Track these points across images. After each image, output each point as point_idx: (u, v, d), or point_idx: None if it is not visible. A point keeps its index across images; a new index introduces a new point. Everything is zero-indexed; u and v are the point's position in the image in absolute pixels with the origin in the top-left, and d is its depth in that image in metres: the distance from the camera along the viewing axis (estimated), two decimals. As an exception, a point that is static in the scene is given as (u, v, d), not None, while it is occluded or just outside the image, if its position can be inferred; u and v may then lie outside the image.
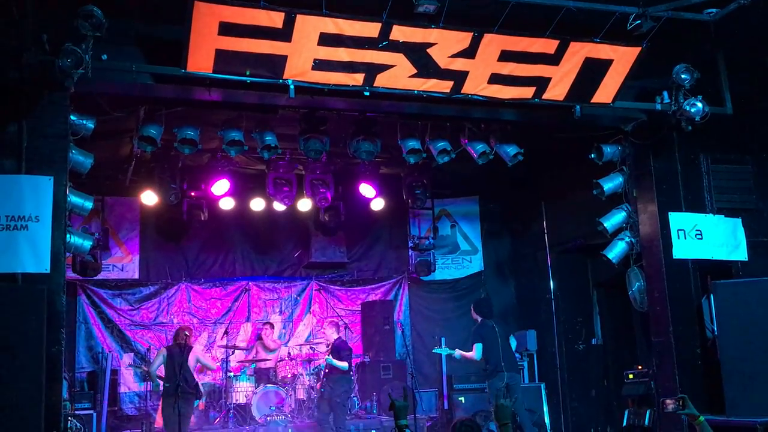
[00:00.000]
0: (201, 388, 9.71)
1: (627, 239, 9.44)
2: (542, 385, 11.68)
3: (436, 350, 10.83)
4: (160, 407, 10.56)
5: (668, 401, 4.97)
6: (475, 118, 9.38)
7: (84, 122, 7.66)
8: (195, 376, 9.82)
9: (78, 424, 9.19)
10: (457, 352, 10.19)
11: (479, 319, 10.16)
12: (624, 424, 9.81)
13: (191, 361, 9.64)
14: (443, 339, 12.01)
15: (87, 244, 8.00)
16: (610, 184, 9.51)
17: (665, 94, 8.76)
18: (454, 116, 9.24)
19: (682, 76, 8.47)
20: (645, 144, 9.27)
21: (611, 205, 9.62)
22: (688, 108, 8.53)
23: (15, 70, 6.92)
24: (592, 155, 9.56)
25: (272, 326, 12.43)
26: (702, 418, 4.92)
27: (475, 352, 9.90)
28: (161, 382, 10.09)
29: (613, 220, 9.52)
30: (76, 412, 9.76)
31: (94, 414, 10.28)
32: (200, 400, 9.72)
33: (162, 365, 9.90)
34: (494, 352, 9.83)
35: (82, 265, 10.30)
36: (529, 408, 10.22)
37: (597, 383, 11.92)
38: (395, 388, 11.57)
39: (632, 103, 8.91)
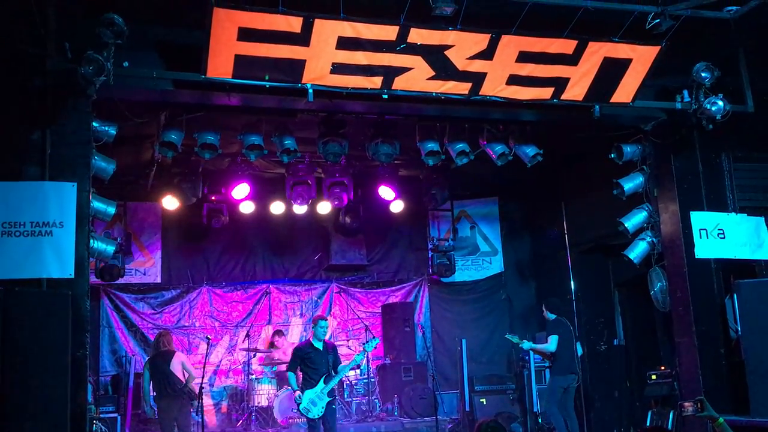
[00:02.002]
0: (192, 389, 9.64)
1: (648, 239, 9.39)
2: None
3: (508, 336, 10.50)
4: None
5: (686, 404, 4.90)
6: (493, 119, 9.38)
7: (106, 128, 7.75)
8: (182, 379, 9.65)
9: (103, 427, 9.30)
10: (527, 343, 10.09)
11: (552, 316, 10.10)
12: (647, 425, 9.74)
13: (176, 366, 9.58)
14: (464, 342, 12.05)
15: (110, 248, 8.09)
16: (631, 183, 9.47)
17: (685, 92, 8.73)
18: (473, 118, 9.25)
19: (703, 74, 8.43)
20: (665, 143, 9.23)
21: (632, 205, 9.58)
22: (708, 106, 8.49)
23: (38, 77, 7.04)
24: (612, 155, 9.53)
25: (281, 333, 12.42)
26: (721, 419, 4.86)
27: (551, 343, 9.81)
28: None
29: (634, 220, 9.47)
30: (101, 416, 9.84)
31: (119, 417, 10.37)
32: (194, 401, 9.66)
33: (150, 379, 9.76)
34: (568, 351, 9.83)
35: (106, 269, 10.41)
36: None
37: (619, 384, 11.85)
38: (416, 389, 11.59)
39: (652, 102, 8.88)
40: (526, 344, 10.05)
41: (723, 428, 4.81)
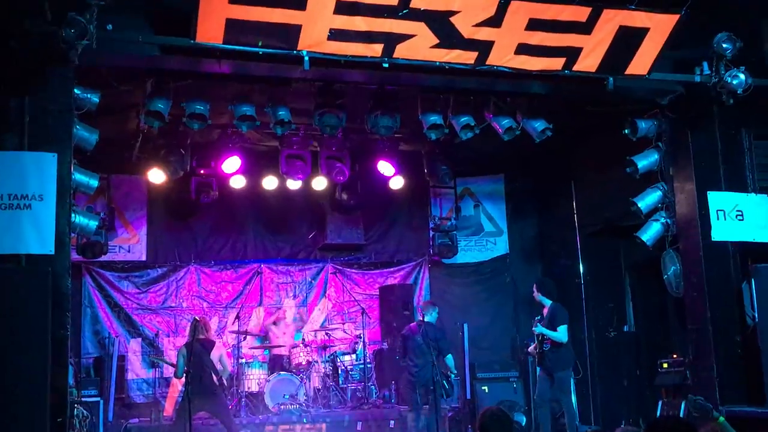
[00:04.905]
0: (224, 382, 9.63)
1: (662, 220, 9.39)
2: (572, 375, 11.68)
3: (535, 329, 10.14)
4: (173, 407, 10.70)
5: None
6: (500, 91, 9.33)
7: (89, 96, 7.71)
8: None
9: (84, 411, 9.31)
10: (539, 327, 9.97)
11: (548, 302, 10.08)
12: (657, 415, 9.80)
13: (214, 358, 9.30)
14: (465, 326, 12.09)
15: (92, 224, 8.09)
16: (645, 161, 9.45)
17: (705, 65, 8.67)
18: (479, 89, 9.21)
19: (724, 45, 8.38)
20: (683, 119, 9.21)
21: (645, 183, 9.57)
22: (729, 80, 8.44)
23: (16, 40, 6.95)
24: (626, 131, 9.51)
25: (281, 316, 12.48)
26: (722, 418, 4.86)
27: (562, 333, 9.77)
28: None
29: (648, 199, 9.46)
30: (83, 399, 9.89)
31: (101, 401, 10.42)
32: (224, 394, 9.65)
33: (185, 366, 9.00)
34: (570, 339, 9.90)
35: (88, 246, 10.41)
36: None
37: (629, 373, 11.89)
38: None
39: (669, 74, 8.83)
40: (539, 328, 10.01)
41: (724, 427, 4.81)
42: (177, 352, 9.68)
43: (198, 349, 9.09)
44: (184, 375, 8.71)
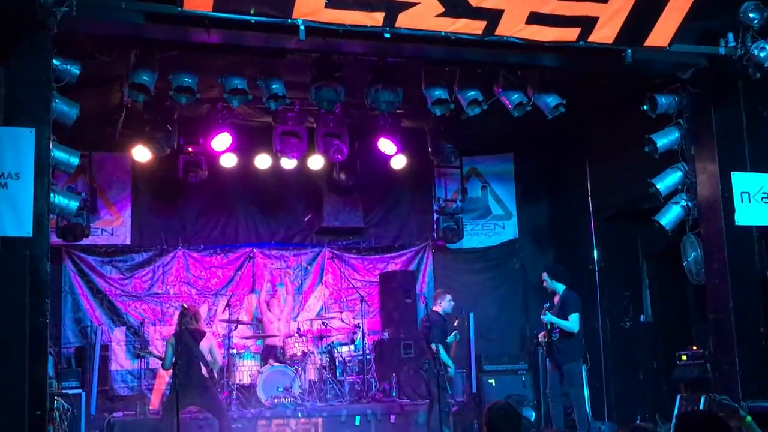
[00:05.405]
0: (215, 375, 9.68)
1: (682, 203, 9.40)
2: (583, 367, 11.72)
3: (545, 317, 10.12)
4: (160, 400, 10.83)
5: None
6: (510, 63, 9.30)
7: (68, 67, 7.68)
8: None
9: (65, 404, 9.35)
10: (549, 315, 9.94)
11: (561, 287, 10.09)
12: (675, 411, 9.83)
13: (204, 349, 9.29)
14: (471, 316, 12.11)
15: (73, 204, 8.08)
16: (665, 139, 9.44)
17: (730, 36, 8.64)
18: (487, 62, 9.17)
19: (751, 15, 8.34)
20: (706, 94, 9.19)
21: (665, 164, 9.56)
22: (756, 52, 8.41)
23: (-12, 4, 6.95)
24: (645, 107, 9.48)
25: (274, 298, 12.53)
26: (749, 418, 4.86)
27: (573, 322, 9.78)
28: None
29: (667, 181, 9.46)
30: (63, 392, 9.92)
31: (83, 393, 10.45)
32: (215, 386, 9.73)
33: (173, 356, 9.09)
34: (582, 329, 9.95)
35: (68, 228, 10.41)
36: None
37: (645, 365, 11.94)
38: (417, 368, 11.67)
39: (692, 46, 8.80)
40: (548, 316, 10.01)
41: (750, 428, 4.82)
42: (165, 342, 9.74)
43: (187, 339, 9.12)
44: (172, 366, 8.75)
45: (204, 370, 9.29)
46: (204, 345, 9.33)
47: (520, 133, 12.29)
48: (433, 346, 9.97)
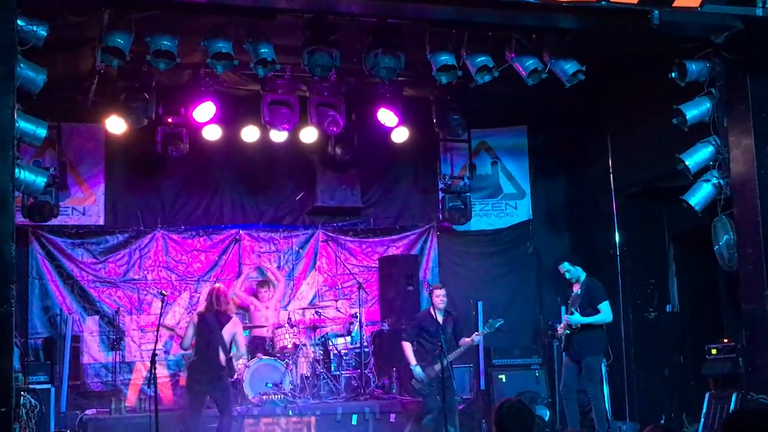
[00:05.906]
0: (233, 365, 9.90)
1: (714, 181, 9.41)
2: (603, 361, 11.76)
3: (569, 318, 10.16)
4: (137, 396, 11.15)
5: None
6: (524, 26, 9.30)
7: (34, 29, 7.67)
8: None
9: (33, 400, 9.38)
10: (577, 316, 9.96)
11: (583, 274, 10.16)
12: (704, 410, 9.87)
13: (226, 334, 9.67)
14: (480, 305, 12.13)
15: (40, 181, 8.11)
16: (695, 110, 9.45)
17: (769, -5, 8.62)
18: (499, 24, 9.17)
19: (792, -28, 8.32)
20: (740, 60, 9.18)
21: (695, 137, 9.56)
22: (797, 13, 8.40)
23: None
24: (673, 74, 9.48)
25: (267, 284, 12.51)
26: None
27: (605, 312, 9.86)
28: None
29: (697, 156, 9.47)
30: (30, 387, 9.96)
31: (53, 389, 10.51)
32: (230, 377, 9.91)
33: (193, 336, 9.84)
34: None
35: (35, 207, 10.40)
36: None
37: (671, 359, 12.00)
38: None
39: (725, 7, 8.78)
40: (576, 317, 10.02)
41: None
42: (188, 322, 10.38)
43: (211, 322, 9.57)
44: (190, 347, 9.54)
45: (222, 357, 9.60)
46: (228, 329, 9.68)
47: (534, 104, 12.27)
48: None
